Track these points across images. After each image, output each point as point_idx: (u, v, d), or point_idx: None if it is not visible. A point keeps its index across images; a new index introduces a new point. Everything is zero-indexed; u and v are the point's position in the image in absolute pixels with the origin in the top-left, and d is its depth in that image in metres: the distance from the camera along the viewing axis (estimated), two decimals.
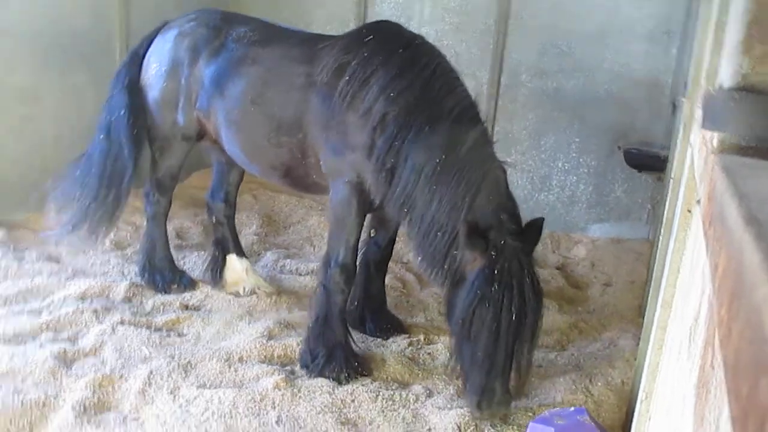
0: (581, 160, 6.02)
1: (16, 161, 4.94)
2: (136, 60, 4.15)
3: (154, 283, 4.23)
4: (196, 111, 3.92)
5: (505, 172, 3.20)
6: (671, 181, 2.78)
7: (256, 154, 3.75)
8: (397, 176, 3.20)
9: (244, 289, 4.28)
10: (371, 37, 3.46)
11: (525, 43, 5.97)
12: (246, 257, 4.46)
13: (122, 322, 3.74)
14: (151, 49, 4.12)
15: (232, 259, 4.36)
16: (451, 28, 6.16)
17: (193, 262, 4.74)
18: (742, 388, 0.41)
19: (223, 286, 4.32)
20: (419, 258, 3.23)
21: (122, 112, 4.10)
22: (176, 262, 4.45)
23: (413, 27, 5.99)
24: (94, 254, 4.63)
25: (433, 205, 3.10)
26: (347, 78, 3.35)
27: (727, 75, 0.96)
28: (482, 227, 2.99)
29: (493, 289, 2.89)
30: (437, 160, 3.10)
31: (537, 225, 3.10)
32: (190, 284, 4.30)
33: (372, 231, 3.97)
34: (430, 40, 3.66)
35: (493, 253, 2.93)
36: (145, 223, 4.39)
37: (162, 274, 4.25)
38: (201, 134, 4.05)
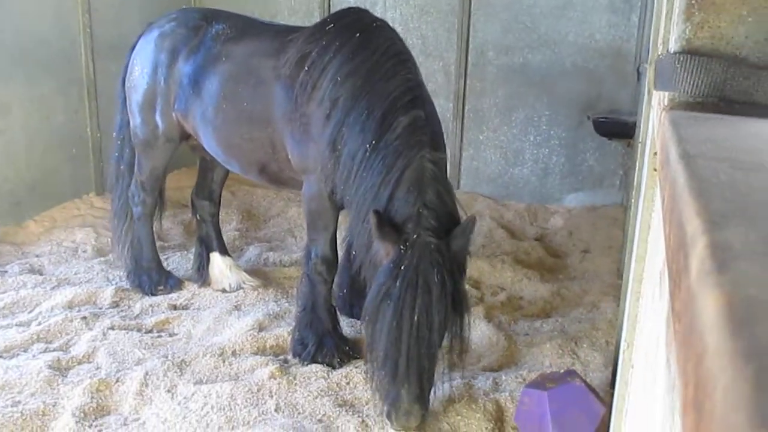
0: (552, 132, 6.12)
1: None
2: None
3: (140, 286, 4.24)
4: (174, 112, 3.91)
5: (437, 162, 2.99)
6: (639, 145, 2.88)
7: (233, 151, 3.74)
8: (341, 164, 3.13)
9: (230, 285, 4.31)
10: (332, 25, 3.43)
11: (489, 21, 6.04)
12: (229, 255, 4.48)
13: (112, 327, 3.76)
14: (134, 52, 4.12)
15: (216, 258, 4.38)
16: (416, 11, 6.21)
17: (177, 263, 4.76)
18: (675, 281, 0.48)
19: (209, 284, 4.35)
20: (352, 249, 3.14)
21: (120, 131, 4.29)
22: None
23: (378, 12, 6.03)
24: (77, 263, 4.63)
25: (359, 192, 3.00)
26: (306, 68, 3.31)
27: (673, 40, 1.05)
28: (398, 219, 2.83)
29: (396, 284, 2.71)
30: (367, 146, 3.00)
31: (466, 226, 2.86)
32: (176, 285, 4.32)
33: None
34: (396, 25, 3.69)
35: (402, 247, 2.75)
36: (131, 225, 4.37)
37: (149, 275, 4.27)
38: (183, 135, 4.04)
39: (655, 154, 1.11)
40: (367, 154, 2.99)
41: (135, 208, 4.29)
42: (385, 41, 3.28)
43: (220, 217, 5.47)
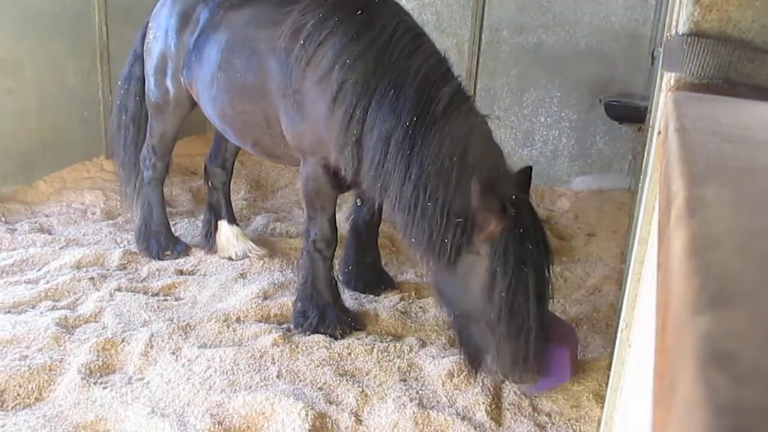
0: (563, 114, 6.10)
1: (1, 134, 4.94)
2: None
3: (148, 250, 4.29)
4: (182, 77, 3.92)
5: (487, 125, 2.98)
6: (650, 129, 2.88)
7: (227, 121, 3.70)
8: (366, 149, 2.97)
9: (236, 253, 4.35)
10: None
11: (505, 0, 5.99)
12: (237, 223, 4.52)
13: (119, 289, 3.81)
14: (151, 16, 4.13)
15: (224, 225, 4.42)
16: None
17: (185, 229, 4.81)
18: (660, 238, 0.52)
19: (216, 251, 4.40)
20: (409, 238, 2.89)
21: (126, 82, 4.29)
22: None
23: None
24: (85, 224, 4.68)
25: (413, 172, 2.80)
26: (302, 42, 3.20)
27: (682, 22, 1.06)
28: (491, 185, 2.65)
29: (526, 250, 2.61)
30: (406, 125, 2.84)
31: (527, 173, 2.89)
32: (183, 251, 4.37)
33: (357, 200, 3.98)
34: (412, 2, 3.65)
35: (513, 211, 2.62)
36: (143, 188, 4.42)
37: (157, 239, 4.31)
38: (192, 101, 4.04)
39: (660, 133, 1.13)
40: (410, 132, 2.81)
41: (146, 172, 4.32)
42: (392, 18, 3.15)
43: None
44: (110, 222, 4.76)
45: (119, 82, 4.43)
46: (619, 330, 1.73)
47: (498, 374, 2.92)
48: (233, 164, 4.51)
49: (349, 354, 3.31)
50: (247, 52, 3.48)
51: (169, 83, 4.02)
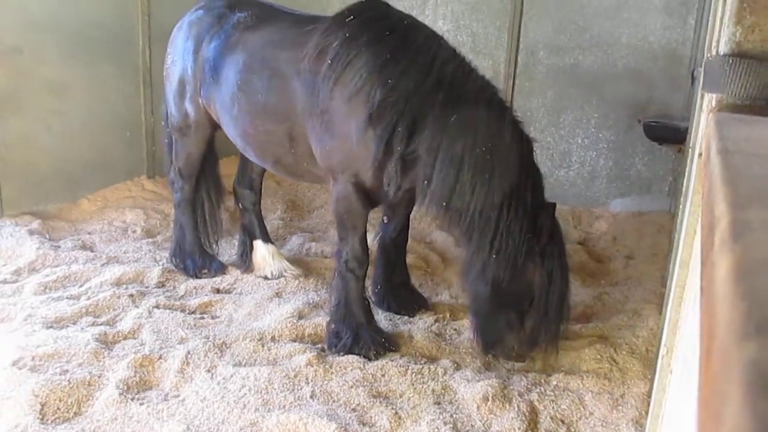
0: (600, 135, 6.03)
1: (47, 152, 5.10)
2: None
3: (185, 269, 4.36)
4: (201, 99, 3.98)
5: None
6: (689, 150, 2.83)
7: (248, 141, 3.75)
8: (424, 168, 3.11)
9: (272, 272, 4.38)
10: (352, 18, 3.33)
11: (541, 21, 5.98)
12: (272, 242, 4.56)
13: (157, 306, 3.88)
14: (170, 41, 4.23)
15: (259, 245, 4.46)
16: (467, 8, 6.18)
17: (221, 248, 4.86)
18: (703, 261, 0.51)
19: (252, 271, 4.44)
20: (471, 251, 3.19)
21: (164, 107, 4.41)
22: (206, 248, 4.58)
23: (429, 9, 6.05)
24: (126, 242, 4.78)
25: (493, 196, 3.06)
26: (329, 62, 3.24)
27: (723, 42, 1.04)
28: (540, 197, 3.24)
29: (567, 259, 3.30)
30: (483, 148, 3.04)
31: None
32: (220, 269, 4.43)
33: (384, 218, 4.00)
34: (446, 22, 3.68)
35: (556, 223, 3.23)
36: (173, 210, 4.51)
37: (193, 259, 4.38)
38: (213, 122, 4.09)
39: (701, 155, 1.11)
40: (487, 156, 3.06)
41: (174, 195, 4.41)
42: (429, 40, 3.26)
43: (265, 206, 5.57)
44: (150, 240, 4.86)
45: (162, 122, 4.53)
46: (660, 356, 1.68)
47: (513, 352, 3.41)
48: (261, 184, 4.55)
49: (383, 375, 3.29)
50: (268, 73, 3.53)
51: (188, 106, 4.08)
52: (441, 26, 5.98)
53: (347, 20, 3.33)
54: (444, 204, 3.15)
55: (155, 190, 5.67)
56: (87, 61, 5.25)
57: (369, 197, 3.41)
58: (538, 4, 5.96)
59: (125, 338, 3.54)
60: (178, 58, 4.06)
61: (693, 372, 1.01)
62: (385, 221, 4.00)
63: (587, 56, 5.92)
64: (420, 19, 3.60)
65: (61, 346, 3.33)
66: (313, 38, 3.38)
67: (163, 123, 4.54)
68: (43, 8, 4.91)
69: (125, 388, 3.05)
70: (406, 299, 4.04)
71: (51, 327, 3.56)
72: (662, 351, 1.66)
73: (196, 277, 4.33)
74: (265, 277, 4.36)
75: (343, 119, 3.25)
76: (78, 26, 5.12)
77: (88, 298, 3.90)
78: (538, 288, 3.21)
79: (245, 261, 4.49)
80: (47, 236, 4.71)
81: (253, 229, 4.49)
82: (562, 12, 5.90)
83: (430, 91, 3.09)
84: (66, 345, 3.35)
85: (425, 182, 3.15)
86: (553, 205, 3.27)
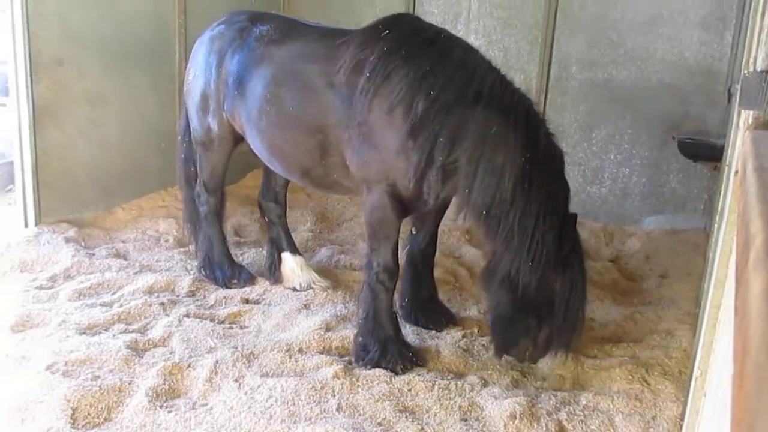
0: (634, 151, 5.96)
1: (84, 162, 5.22)
2: None
3: (215, 279, 4.40)
4: (224, 113, 4.01)
5: None
6: (726, 168, 2.78)
7: (276, 154, 3.78)
8: (465, 177, 3.17)
9: (301, 284, 4.40)
10: (388, 31, 3.38)
11: (574, 35, 5.95)
12: (300, 254, 4.57)
13: (188, 315, 3.92)
14: (191, 56, 4.27)
15: (287, 257, 4.47)
16: (499, 24, 6.18)
17: (252, 258, 4.91)
18: (738, 279, 0.50)
19: (281, 282, 4.46)
20: (502, 257, 3.25)
21: (182, 123, 4.48)
22: (235, 258, 4.62)
23: (461, 23, 6.07)
24: (159, 251, 4.85)
25: (532, 205, 3.13)
26: (367, 75, 3.28)
27: (761, 59, 1.02)
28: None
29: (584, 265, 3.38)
30: (523, 159, 3.12)
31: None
32: (249, 279, 4.46)
33: (413, 229, 3.99)
34: (479, 36, 3.69)
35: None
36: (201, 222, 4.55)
37: (222, 269, 4.42)
38: (236, 135, 4.11)
39: (737, 173, 1.09)
40: (527, 167, 3.13)
41: (201, 208, 4.45)
42: (466, 53, 3.33)
43: (294, 217, 5.62)
44: (182, 249, 4.92)
45: (179, 137, 4.60)
46: (694, 378, 1.64)
47: (529, 353, 3.49)
48: (285, 196, 4.55)
49: (410, 390, 3.27)
50: (299, 86, 3.55)
51: (211, 120, 4.11)
52: (473, 41, 5.98)
53: (383, 34, 3.37)
54: (484, 212, 3.20)
55: None
56: (124, 73, 5.37)
57: (404, 207, 3.45)
58: (571, 19, 5.93)
59: (155, 346, 3.58)
60: (200, 73, 4.09)
61: (728, 395, 0.99)
62: (414, 233, 4.01)
63: (621, 71, 5.86)
64: None
65: (93, 352, 3.39)
66: (347, 52, 3.41)
67: (179, 138, 4.57)
68: (85, 22, 5.04)
69: (154, 395, 3.09)
70: (434, 313, 4.02)
71: (84, 333, 3.62)
72: (696, 373, 1.61)
73: (226, 287, 4.36)
74: (294, 289, 4.38)
75: (381, 130, 3.29)
76: (117, 39, 5.24)
77: (121, 306, 3.96)
78: (559, 295, 3.27)
79: (273, 273, 4.52)
80: (83, 244, 4.81)
81: (281, 242, 4.51)
82: (596, 27, 5.87)
83: (470, 102, 3.16)
84: (98, 351, 3.40)
85: (466, 191, 3.21)
86: (575, 215, 3.34)
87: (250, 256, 4.94)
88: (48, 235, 4.81)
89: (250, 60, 3.79)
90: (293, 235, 5.36)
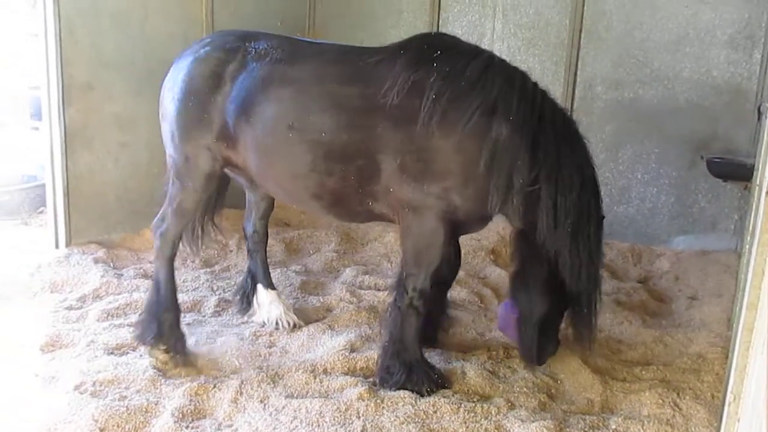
0: (661, 170, 5.89)
1: (114, 184, 5.31)
2: None
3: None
4: (218, 141, 3.58)
5: None
6: (757, 188, 2.73)
7: (296, 183, 3.49)
8: (546, 197, 3.27)
9: (268, 320, 4.15)
10: (439, 52, 3.30)
11: (599, 55, 5.93)
12: (274, 288, 4.27)
13: (213, 335, 3.94)
14: (165, 80, 3.82)
15: (260, 290, 4.24)
16: (523, 44, 6.19)
17: (276, 279, 4.91)
18: None
19: (251, 315, 4.25)
20: (563, 261, 3.36)
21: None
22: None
23: (486, 44, 6.08)
24: (185, 271, 4.90)
25: (578, 209, 3.32)
26: (433, 97, 3.17)
27: None
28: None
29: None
30: (584, 178, 3.36)
31: None
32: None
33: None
34: (504, 56, 3.68)
35: None
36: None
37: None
38: (222, 166, 3.71)
39: None
40: (585, 185, 3.38)
41: (155, 241, 3.88)
42: (524, 78, 3.41)
43: (319, 238, 5.65)
44: (207, 270, 4.97)
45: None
46: (727, 403, 1.60)
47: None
48: (266, 227, 4.25)
49: (435, 412, 3.24)
50: (334, 110, 3.32)
51: (190, 149, 3.65)
52: None
53: (434, 54, 3.30)
54: (554, 227, 3.32)
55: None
56: (152, 97, 5.43)
57: (453, 231, 3.47)
58: (596, 39, 5.91)
59: None
60: (180, 97, 3.61)
61: (763, 421, 0.96)
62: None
63: (647, 90, 5.82)
64: None
65: (120, 373, 3.42)
66: (394, 72, 3.27)
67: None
68: (117, 47, 5.16)
69: (180, 416, 3.10)
70: (443, 322, 4.08)
71: (112, 353, 3.66)
72: (729, 398, 1.57)
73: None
74: (262, 324, 4.14)
75: (447, 155, 3.23)
76: (146, 63, 5.34)
77: None
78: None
79: (244, 303, 4.28)
80: (111, 265, 4.88)
81: (257, 273, 4.24)
82: (621, 46, 5.84)
83: (536, 123, 3.27)
84: (125, 371, 3.43)
85: (548, 210, 3.29)
86: (603, 217, 3.56)
87: (274, 276, 4.92)
88: (78, 256, 4.89)
89: (255, 82, 3.45)
90: (318, 255, 5.38)
